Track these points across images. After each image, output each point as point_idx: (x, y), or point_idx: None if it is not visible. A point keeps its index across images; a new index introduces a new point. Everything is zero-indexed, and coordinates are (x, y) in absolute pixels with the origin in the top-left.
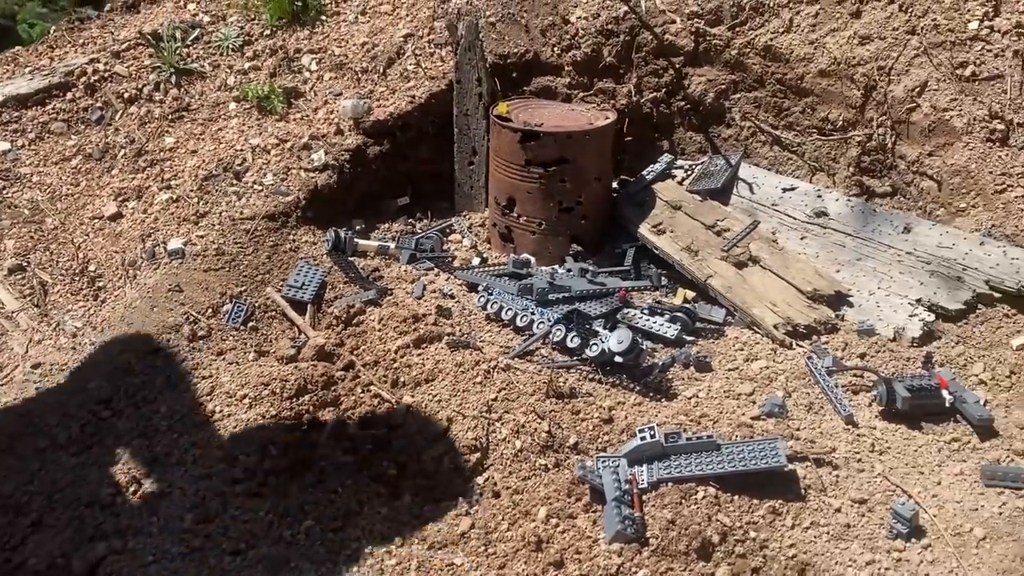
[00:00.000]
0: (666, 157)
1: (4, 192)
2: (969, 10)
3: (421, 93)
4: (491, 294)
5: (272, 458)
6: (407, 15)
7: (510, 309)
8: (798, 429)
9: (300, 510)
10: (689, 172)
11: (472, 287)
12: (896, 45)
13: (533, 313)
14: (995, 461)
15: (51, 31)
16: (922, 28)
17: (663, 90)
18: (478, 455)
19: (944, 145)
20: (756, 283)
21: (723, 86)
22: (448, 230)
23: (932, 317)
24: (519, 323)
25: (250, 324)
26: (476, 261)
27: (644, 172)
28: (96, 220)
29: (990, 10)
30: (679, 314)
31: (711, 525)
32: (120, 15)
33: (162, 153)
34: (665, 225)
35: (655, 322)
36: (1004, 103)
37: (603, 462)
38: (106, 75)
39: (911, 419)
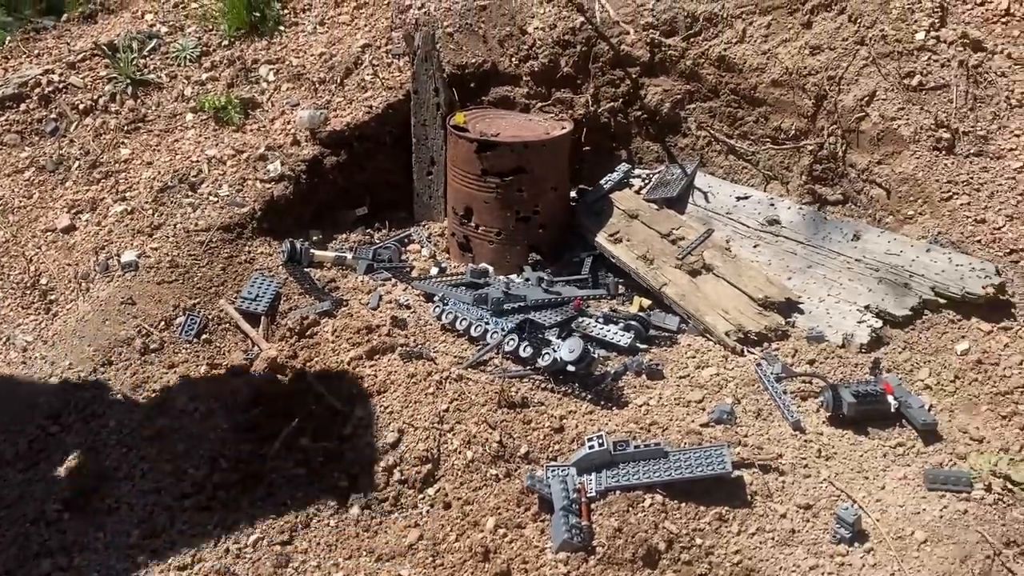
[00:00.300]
0: (623, 166)
1: None
2: (916, 21)
3: (379, 103)
4: (446, 304)
5: (222, 471)
6: (365, 25)
7: (465, 319)
8: (746, 436)
9: (248, 523)
10: (647, 181)
11: (429, 297)
12: (846, 55)
13: (487, 323)
14: (938, 465)
15: (6, 41)
16: (870, 39)
17: (620, 100)
18: (429, 466)
19: (892, 154)
20: (709, 291)
21: (679, 96)
22: (407, 240)
23: (880, 323)
24: (473, 333)
25: (203, 337)
26: (435, 271)
27: (602, 181)
28: (49, 233)
29: (936, 21)
30: (633, 322)
31: (658, 533)
32: (77, 25)
33: (117, 165)
34: (622, 234)
35: (609, 330)
36: (950, 112)
37: (552, 471)
38: (61, 86)
39: (857, 424)
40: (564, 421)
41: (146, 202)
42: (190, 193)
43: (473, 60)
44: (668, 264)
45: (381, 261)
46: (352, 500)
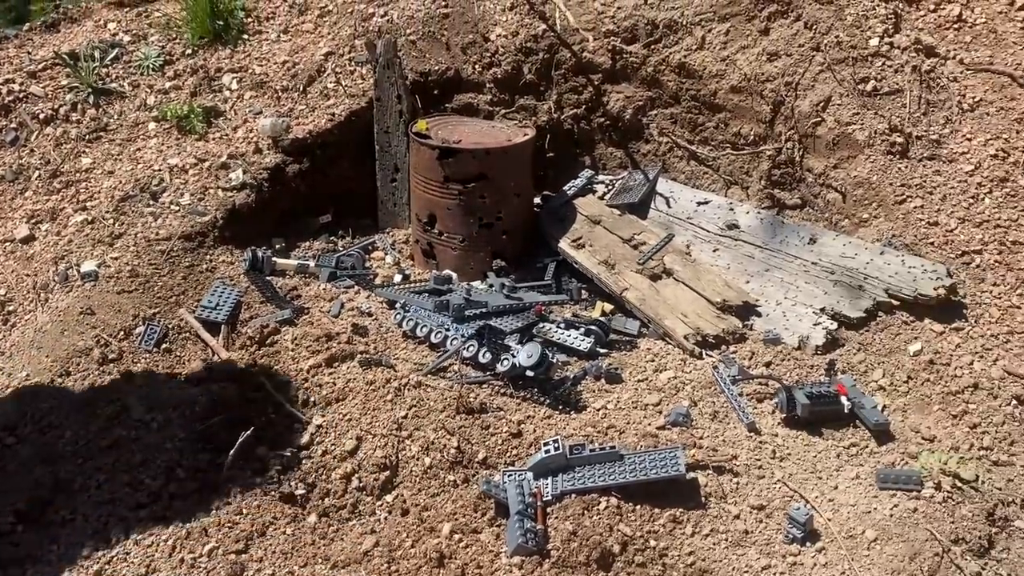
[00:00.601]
0: (587, 172)
1: None
2: (870, 27)
3: (341, 111)
4: (407, 311)
5: (179, 481)
6: (328, 33)
7: (425, 326)
8: (701, 438)
9: (203, 533)
10: (610, 187)
11: (392, 304)
12: (802, 62)
13: (448, 329)
14: (890, 464)
15: None
16: (826, 45)
17: (583, 107)
18: (387, 473)
19: (848, 158)
20: (669, 295)
21: (640, 102)
22: (371, 247)
23: (835, 325)
24: (434, 340)
25: (163, 346)
26: (398, 278)
27: (565, 187)
28: (7, 243)
29: (890, 27)
30: (593, 327)
31: (612, 535)
32: (39, 34)
33: (78, 174)
34: (585, 239)
35: (569, 335)
36: (903, 117)
37: (509, 476)
38: (21, 95)
39: (811, 425)
40: (522, 426)
41: (107, 211)
42: (151, 202)
43: (436, 67)
44: (629, 269)
45: (344, 268)
46: (309, 508)
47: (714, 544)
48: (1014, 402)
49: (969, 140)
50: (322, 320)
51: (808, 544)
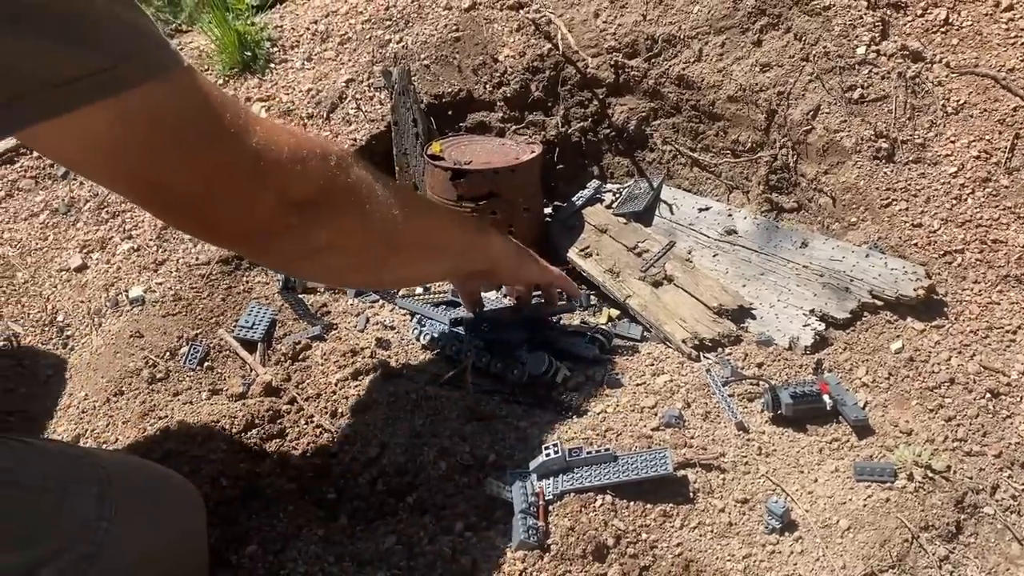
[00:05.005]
0: (594, 183)
1: None
2: (857, 36)
3: (362, 135)
4: (423, 325)
5: (222, 489)
6: (348, 60)
7: (440, 338)
8: (692, 437)
9: (245, 535)
10: (617, 196)
11: (412, 315)
12: (793, 72)
13: (461, 341)
14: (868, 458)
15: None
16: (814, 55)
17: (589, 119)
18: (408, 477)
19: (836, 164)
20: (669, 301)
21: (644, 113)
22: None
23: (823, 326)
24: (448, 352)
25: (206, 364)
26: (419, 291)
27: (574, 198)
28: (63, 272)
29: (877, 35)
30: (598, 334)
31: (607, 530)
32: None
33: (123, 204)
34: (592, 248)
35: (575, 343)
36: (889, 122)
37: (514, 478)
38: None
39: (797, 423)
40: (528, 431)
41: (151, 239)
42: None
43: (449, 89)
44: (632, 276)
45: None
46: (339, 511)
47: (700, 536)
48: (988, 395)
49: (953, 142)
50: (349, 335)
51: (786, 534)
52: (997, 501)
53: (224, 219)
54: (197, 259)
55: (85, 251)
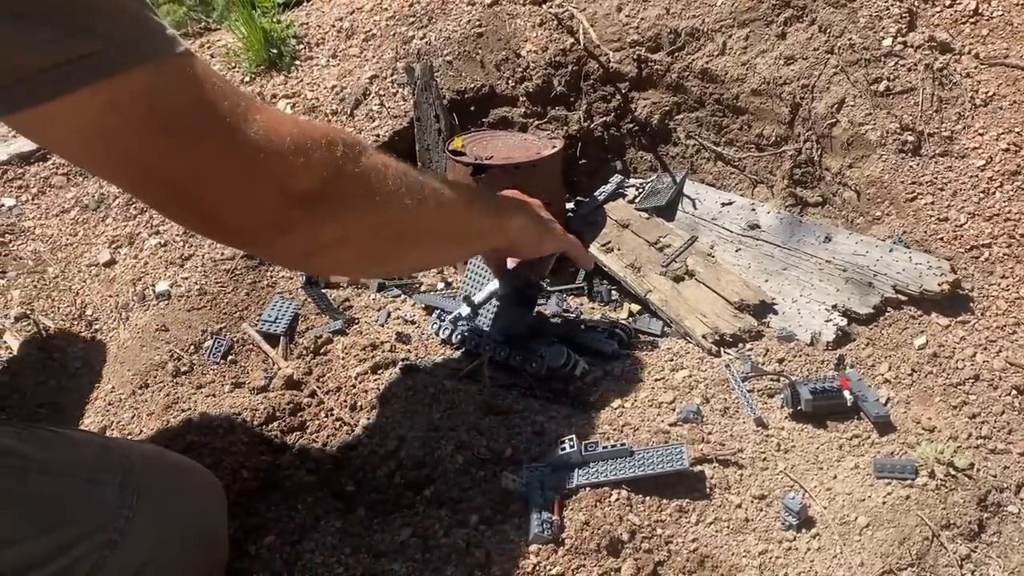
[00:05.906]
0: (616, 178)
1: (10, 245)
2: (883, 27)
3: (385, 131)
4: (442, 320)
5: (243, 480)
6: (372, 57)
7: (459, 332)
8: (710, 433)
9: (264, 526)
10: (640, 190)
11: (431, 311)
12: (817, 64)
13: (480, 335)
14: (889, 454)
15: None
16: (839, 48)
17: (612, 114)
18: (425, 471)
19: (861, 157)
20: (690, 296)
21: (667, 108)
22: None
23: (845, 322)
24: (467, 346)
25: (229, 358)
26: (441, 285)
27: (596, 193)
28: (92, 267)
29: (904, 27)
30: (617, 329)
31: (622, 525)
32: None
33: None
34: (613, 243)
35: (594, 337)
36: (916, 115)
37: (530, 472)
38: None
39: (817, 419)
40: (545, 425)
41: (177, 235)
42: None
43: (472, 85)
44: (654, 271)
45: (391, 278)
46: (357, 502)
47: (716, 531)
48: (1014, 392)
49: (981, 135)
50: (369, 329)
51: (804, 531)
52: (1022, 500)
53: (225, 214)
54: (222, 254)
55: (114, 246)
